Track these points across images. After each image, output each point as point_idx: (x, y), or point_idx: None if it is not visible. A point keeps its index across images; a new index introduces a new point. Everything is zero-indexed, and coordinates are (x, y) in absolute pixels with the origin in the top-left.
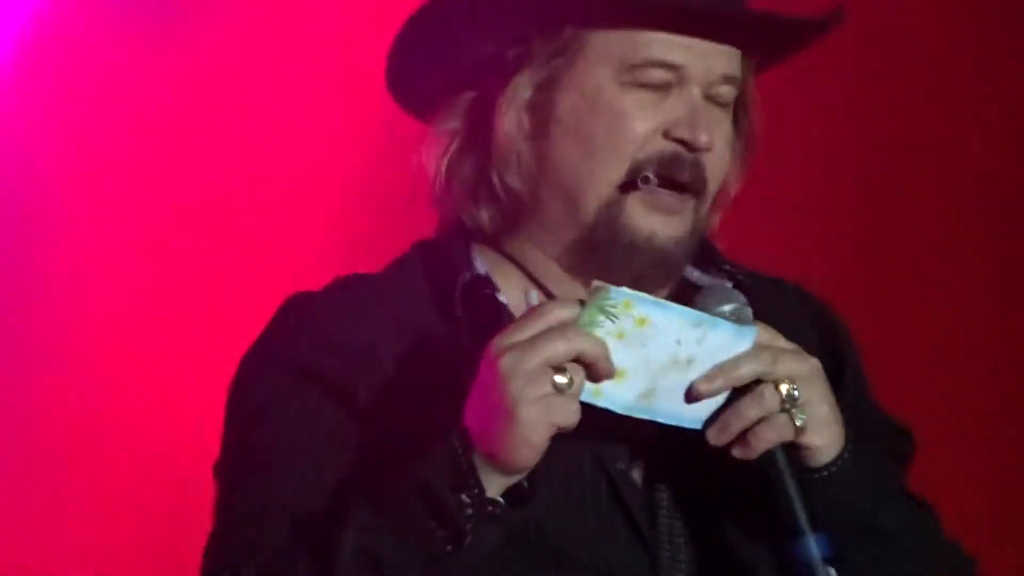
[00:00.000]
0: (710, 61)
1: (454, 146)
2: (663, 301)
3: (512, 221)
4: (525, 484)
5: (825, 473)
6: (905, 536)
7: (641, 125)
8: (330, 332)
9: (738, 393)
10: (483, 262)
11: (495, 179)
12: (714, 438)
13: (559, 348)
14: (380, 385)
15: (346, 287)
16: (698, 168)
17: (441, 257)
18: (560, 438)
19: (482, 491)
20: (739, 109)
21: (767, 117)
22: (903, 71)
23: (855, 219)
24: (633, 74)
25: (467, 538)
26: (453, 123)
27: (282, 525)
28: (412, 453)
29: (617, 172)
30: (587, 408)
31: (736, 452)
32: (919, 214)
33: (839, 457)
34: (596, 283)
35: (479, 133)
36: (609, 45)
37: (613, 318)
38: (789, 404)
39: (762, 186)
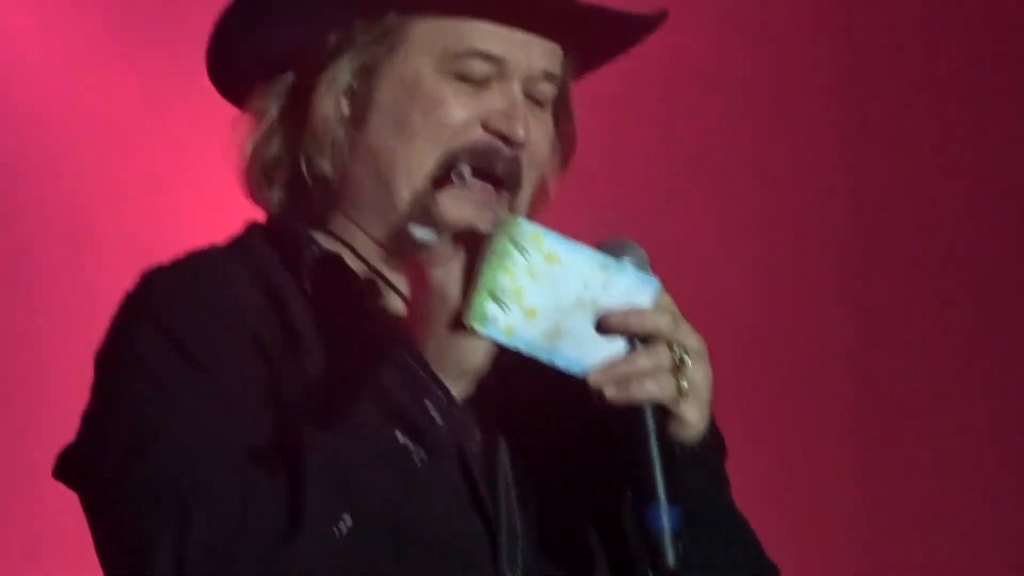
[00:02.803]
0: (532, 56)
1: (263, 127)
2: (570, 239)
3: (317, 207)
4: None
5: (686, 450)
6: (734, 532)
7: (458, 113)
8: (200, 293)
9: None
10: (324, 240)
11: (303, 162)
12: (596, 379)
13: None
14: (252, 342)
15: (204, 256)
16: (514, 163)
17: (283, 236)
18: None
19: (448, 394)
20: (559, 109)
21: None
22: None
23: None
24: (454, 64)
25: (439, 449)
26: (267, 105)
27: (218, 466)
28: (350, 371)
29: (431, 160)
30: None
31: (610, 392)
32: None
33: (700, 441)
34: (504, 213)
35: (292, 116)
36: (431, 33)
37: (523, 252)
38: (679, 368)
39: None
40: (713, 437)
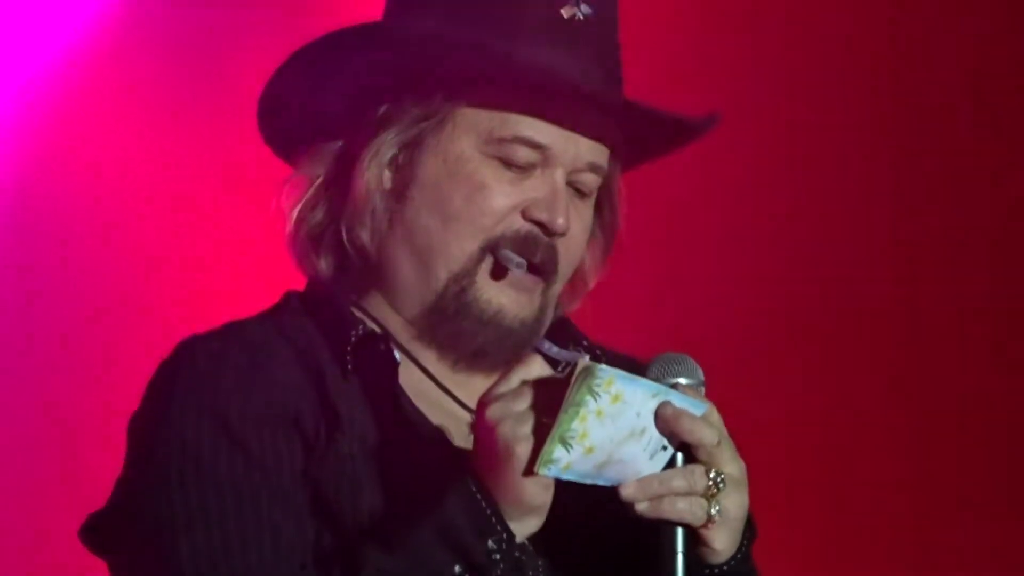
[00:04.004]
0: (578, 147)
1: (310, 192)
2: (634, 376)
3: (357, 277)
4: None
5: (714, 571)
6: None
7: (500, 200)
8: (244, 373)
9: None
10: (361, 315)
11: (344, 231)
12: (629, 492)
13: (542, 393)
14: (294, 426)
15: (245, 330)
16: (552, 251)
17: (325, 309)
18: None
19: (511, 536)
20: (603, 200)
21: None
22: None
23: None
24: (499, 148)
25: None
26: (314, 170)
27: (258, 564)
28: (420, 496)
29: (471, 244)
30: None
31: (641, 507)
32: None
33: (727, 562)
34: (583, 362)
35: (338, 183)
36: (479, 116)
37: (597, 396)
38: (713, 492)
39: None
40: (744, 552)
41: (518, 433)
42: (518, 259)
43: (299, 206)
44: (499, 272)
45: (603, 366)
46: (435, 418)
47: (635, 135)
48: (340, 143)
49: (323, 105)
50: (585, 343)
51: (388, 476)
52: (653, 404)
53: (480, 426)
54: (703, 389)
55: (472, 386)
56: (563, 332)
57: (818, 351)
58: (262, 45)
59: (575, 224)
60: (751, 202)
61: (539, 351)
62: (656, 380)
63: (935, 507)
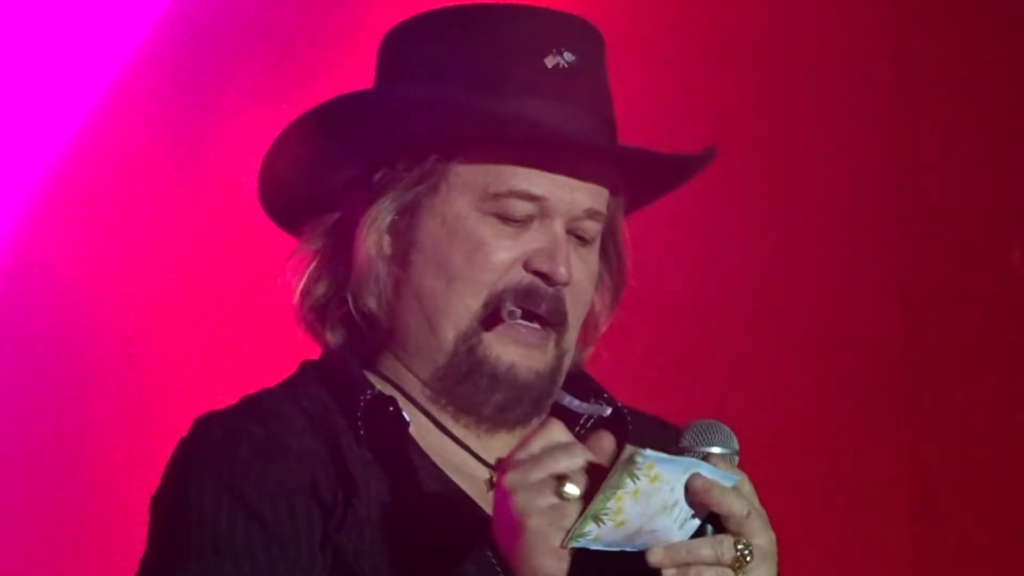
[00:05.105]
0: (574, 195)
1: (313, 265)
2: (671, 457)
3: (370, 342)
4: None
5: None
6: None
7: (500, 255)
8: (262, 447)
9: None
10: (376, 380)
11: (350, 300)
12: (657, 558)
13: (563, 463)
14: (313, 498)
15: (261, 403)
16: (557, 301)
17: (338, 376)
18: None
19: None
20: (608, 244)
21: None
22: None
23: None
24: (495, 203)
25: None
26: (316, 243)
27: None
28: (438, 561)
29: (475, 301)
30: None
31: (668, 575)
32: None
33: None
34: (630, 448)
35: (340, 254)
36: (473, 174)
37: (636, 479)
38: (739, 564)
39: None
40: None
41: (533, 505)
42: (512, 307)
43: (303, 280)
44: (506, 329)
45: (647, 452)
46: (458, 479)
47: (634, 176)
48: (339, 214)
49: (320, 177)
50: (606, 396)
51: (406, 540)
52: (685, 478)
53: (498, 493)
54: (736, 458)
55: (496, 444)
56: (582, 385)
57: (817, 355)
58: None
59: (579, 272)
60: (746, 213)
61: (561, 405)
62: (690, 447)
63: (937, 512)
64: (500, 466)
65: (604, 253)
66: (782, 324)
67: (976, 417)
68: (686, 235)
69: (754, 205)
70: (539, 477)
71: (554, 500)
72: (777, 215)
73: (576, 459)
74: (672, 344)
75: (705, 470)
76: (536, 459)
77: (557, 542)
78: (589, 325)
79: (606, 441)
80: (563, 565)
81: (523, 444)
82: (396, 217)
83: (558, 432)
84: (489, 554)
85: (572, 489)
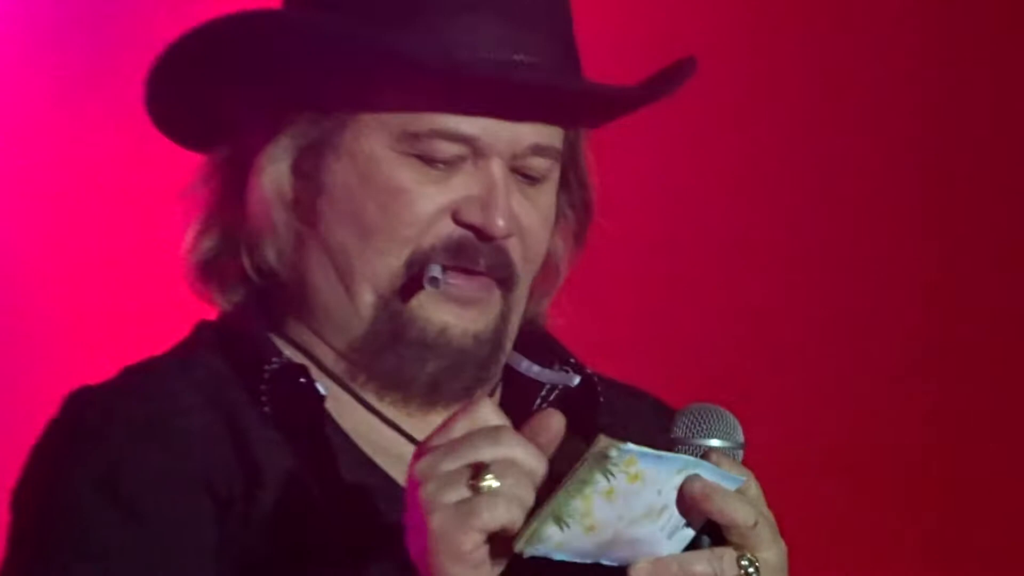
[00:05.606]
0: (516, 130)
1: (201, 214)
2: (661, 453)
3: (273, 307)
4: None
5: None
6: None
7: (423, 205)
8: (142, 430)
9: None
10: (284, 347)
11: (244, 253)
12: (642, 572)
13: (484, 452)
14: (205, 490)
15: (146, 377)
16: (500, 254)
17: (239, 341)
18: None
19: None
20: (568, 174)
21: None
22: None
23: None
24: (415, 144)
25: None
26: (206, 183)
27: None
28: (346, 561)
29: (396, 260)
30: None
31: None
32: None
33: None
34: (603, 440)
35: (233, 199)
36: (387, 112)
37: (610, 476)
38: None
39: None
40: None
41: (438, 499)
42: (435, 273)
43: (194, 231)
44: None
45: (627, 445)
46: (386, 464)
47: (596, 108)
48: (232, 150)
49: (210, 104)
50: (572, 361)
51: (318, 537)
52: (679, 480)
53: (408, 483)
54: (741, 453)
55: (435, 420)
56: (545, 348)
57: (835, 348)
58: None
59: (528, 216)
60: (755, 197)
61: (517, 372)
62: (683, 439)
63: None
64: (416, 450)
65: (565, 185)
66: (794, 295)
67: (1000, 414)
68: (693, 196)
69: (772, 176)
70: (452, 467)
71: (466, 494)
72: (794, 186)
73: (501, 447)
74: (660, 316)
75: (705, 471)
76: (452, 445)
77: (466, 546)
78: (548, 270)
79: (554, 421)
80: (476, 574)
81: (445, 425)
82: (299, 156)
83: (486, 412)
84: (401, 555)
85: (492, 482)
